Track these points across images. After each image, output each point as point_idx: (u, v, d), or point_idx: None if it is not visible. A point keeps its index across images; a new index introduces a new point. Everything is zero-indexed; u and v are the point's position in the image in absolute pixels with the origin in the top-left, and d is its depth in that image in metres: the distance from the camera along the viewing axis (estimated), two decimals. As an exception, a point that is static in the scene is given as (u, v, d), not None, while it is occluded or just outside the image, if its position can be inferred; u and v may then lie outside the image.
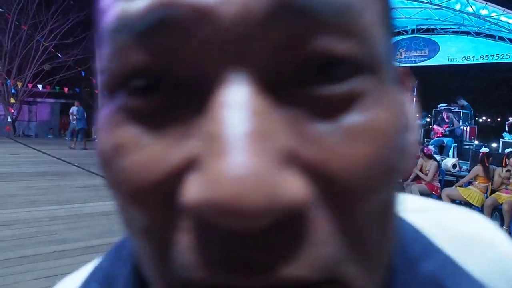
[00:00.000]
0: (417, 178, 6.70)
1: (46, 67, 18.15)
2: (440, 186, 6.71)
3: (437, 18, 10.59)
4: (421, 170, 6.71)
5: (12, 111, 18.05)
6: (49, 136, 19.07)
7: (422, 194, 6.50)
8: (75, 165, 9.32)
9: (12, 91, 17.82)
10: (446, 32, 12.09)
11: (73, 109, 15.37)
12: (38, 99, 21.55)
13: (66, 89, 19.02)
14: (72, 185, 7.18)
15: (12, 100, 17.82)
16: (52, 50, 17.87)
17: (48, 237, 4.36)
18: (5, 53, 17.51)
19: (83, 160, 10.01)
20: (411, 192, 6.45)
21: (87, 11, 17.87)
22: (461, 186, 6.55)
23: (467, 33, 11.73)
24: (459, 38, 12.01)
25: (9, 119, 17.90)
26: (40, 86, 18.47)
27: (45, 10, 17.55)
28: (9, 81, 17.78)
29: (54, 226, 4.74)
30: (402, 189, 6.25)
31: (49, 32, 17.76)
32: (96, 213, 5.46)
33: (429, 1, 9.15)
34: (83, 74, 18.85)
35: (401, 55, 13.29)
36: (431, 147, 7.47)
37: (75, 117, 14.73)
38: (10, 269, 3.46)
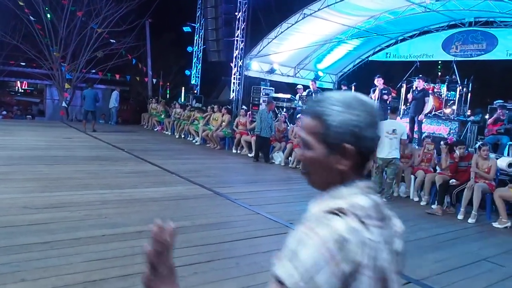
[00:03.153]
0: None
1: (99, 54, 18.70)
2: (495, 185, 6.33)
3: (497, 11, 9.86)
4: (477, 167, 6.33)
5: (67, 95, 18.76)
6: (100, 121, 19.76)
7: (483, 193, 6.15)
8: (125, 151, 9.53)
9: (67, 77, 18.51)
10: (506, 25, 11.29)
11: (114, 94, 15.99)
12: (90, 85, 22.33)
13: (117, 76, 19.55)
14: (122, 170, 7.33)
15: (67, 86, 18.52)
16: (106, 36, 18.36)
17: (99, 220, 4.43)
18: (61, 39, 18.18)
19: (133, 146, 10.23)
20: (473, 191, 6.09)
21: (139, 0, 18.23)
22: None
23: (529, 27, 10.93)
24: (520, 31, 11.24)
25: (64, 104, 18.63)
26: (93, 72, 19.13)
27: (99, -3, 18.03)
28: (64, 66, 18.47)
29: (104, 210, 4.82)
30: (471, 189, 5.92)
31: (103, 20, 18.24)
32: (145, 198, 5.52)
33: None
34: (134, 61, 19.28)
35: (456, 49, 12.61)
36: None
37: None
38: (62, 250, 3.52)
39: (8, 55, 18.95)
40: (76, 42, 18.53)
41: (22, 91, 24.93)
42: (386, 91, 10.14)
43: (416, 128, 9.82)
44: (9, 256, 3.30)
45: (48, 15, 17.51)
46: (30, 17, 16.69)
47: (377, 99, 10.15)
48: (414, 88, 10.39)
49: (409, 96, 10.33)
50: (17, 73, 20.90)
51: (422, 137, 8.69)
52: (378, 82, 10.24)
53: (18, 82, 24.21)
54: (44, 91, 23.00)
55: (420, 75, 10.50)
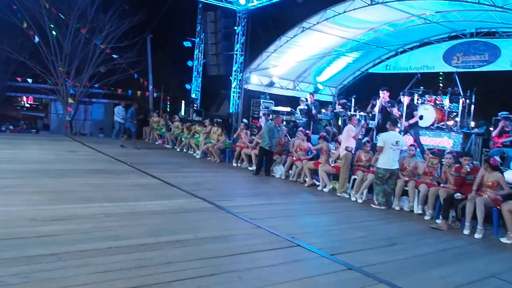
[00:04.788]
0: (479, 188, 6.31)
1: (102, 69, 19.02)
2: (501, 199, 6.29)
3: (500, 21, 9.99)
4: (481, 182, 6.33)
5: (71, 110, 19.03)
6: (100, 135, 19.94)
7: (487, 207, 6.11)
8: (127, 164, 9.66)
9: (71, 91, 18.79)
10: (509, 35, 11.42)
11: (118, 109, 16.12)
12: (93, 99, 22.64)
13: (119, 90, 19.82)
14: (125, 183, 7.44)
15: (71, 100, 18.78)
16: (108, 52, 18.68)
17: (104, 233, 4.54)
18: (65, 55, 18.54)
19: (135, 160, 10.36)
20: (475, 205, 6.07)
21: (140, 16, 18.59)
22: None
23: (532, 37, 11.07)
24: (522, 42, 11.36)
25: (68, 118, 18.86)
26: (96, 87, 19.44)
27: (102, 15, 18.42)
28: (68, 81, 18.77)
29: (108, 223, 4.93)
30: (457, 200, 5.88)
31: (106, 36, 18.62)
32: (147, 211, 5.63)
33: (492, 3, 8.65)
34: (135, 76, 19.56)
35: (458, 60, 12.72)
36: (497, 158, 7.03)
37: (119, 117, 15.63)
38: (70, 262, 3.62)
39: (15, 71, 19.33)
40: (80, 58, 18.88)
41: (28, 105, 25.28)
42: (390, 104, 9.86)
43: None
44: (18, 267, 3.40)
45: (54, 32, 17.86)
46: (35, 37, 17.04)
47: (379, 112, 10.12)
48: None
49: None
50: (23, 88, 21.25)
51: (425, 150, 8.66)
52: (384, 94, 9.94)
53: (24, 97, 24.55)
54: (48, 105, 23.32)
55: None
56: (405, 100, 9.74)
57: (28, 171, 7.80)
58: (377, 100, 10.22)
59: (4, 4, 16.66)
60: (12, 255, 3.65)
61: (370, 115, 11.13)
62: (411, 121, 9.59)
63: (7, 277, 3.21)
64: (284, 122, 13.66)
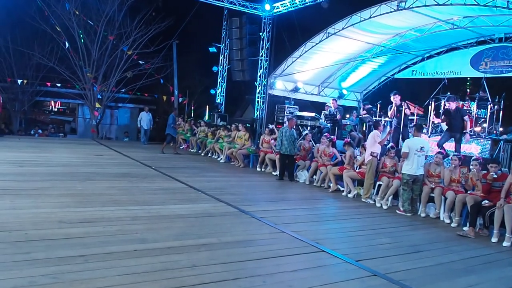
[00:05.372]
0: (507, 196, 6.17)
1: (129, 74, 19.42)
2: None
3: (529, 26, 9.79)
4: (510, 189, 6.17)
5: (97, 114, 19.46)
6: (125, 139, 20.26)
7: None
8: (152, 168, 9.79)
9: (98, 96, 19.24)
10: (538, 41, 11.16)
11: (142, 114, 16.32)
12: (119, 104, 23.10)
13: (146, 95, 20.16)
14: (150, 187, 7.54)
15: (97, 105, 19.22)
16: (135, 57, 19.05)
17: (130, 236, 4.60)
18: (93, 61, 19.02)
19: (160, 164, 10.50)
20: (503, 212, 5.93)
21: (167, 23, 18.90)
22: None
23: (562, 41, 10.73)
24: (552, 47, 11.03)
25: (94, 122, 19.29)
26: (123, 92, 19.83)
27: (129, 21, 18.82)
28: (96, 87, 19.24)
29: (134, 226, 4.99)
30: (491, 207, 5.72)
31: (132, 42, 19.01)
32: (172, 215, 5.68)
33: (521, 8, 8.44)
34: (161, 81, 19.87)
35: (486, 65, 12.45)
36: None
37: (141, 122, 15.93)
38: (97, 263, 3.69)
39: (44, 76, 19.94)
40: (107, 63, 19.35)
41: (56, 110, 25.98)
42: (401, 108, 10.25)
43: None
44: (48, 268, 3.49)
45: (82, 39, 18.36)
46: (65, 43, 17.56)
47: (394, 116, 10.39)
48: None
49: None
50: (52, 93, 21.90)
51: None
52: (395, 99, 10.36)
53: (52, 102, 25.27)
54: (76, 110, 23.92)
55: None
56: (452, 105, 9.45)
57: (55, 174, 8.00)
58: (392, 108, 10.42)
59: (35, 12, 17.27)
60: (42, 256, 3.75)
61: (391, 119, 11.06)
62: (467, 128, 9.23)
63: (38, 277, 3.29)
64: (309, 127, 13.66)
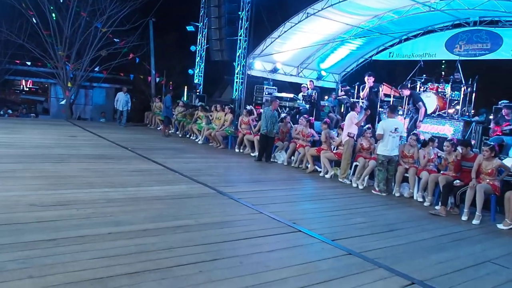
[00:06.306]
0: (478, 176, 6.33)
1: (103, 53, 18.82)
2: (500, 186, 6.34)
3: (503, 10, 9.84)
4: (479, 169, 6.33)
5: (68, 94, 18.88)
6: (101, 120, 19.79)
7: (487, 193, 6.15)
8: (129, 149, 9.61)
9: (71, 75, 18.63)
10: (511, 25, 11.29)
11: (119, 95, 15.86)
12: (94, 84, 22.49)
13: (122, 74, 19.64)
14: (126, 169, 7.40)
15: (69, 84, 18.63)
16: (110, 36, 18.46)
17: (104, 218, 4.50)
18: (65, 38, 18.33)
19: (136, 145, 10.32)
20: (475, 191, 6.12)
21: (143, -1, 18.34)
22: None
23: (535, 26, 10.91)
24: (525, 31, 11.21)
25: (62, 102, 18.72)
26: (97, 71, 19.23)
27: (103, -3, 18.15)
28: (68, 65, 18.61)
29: (109, 208, 4.89)
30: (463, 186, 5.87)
31: (107, 19, 18.37)
32: (149, 197, 5.59)
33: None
34: (137, 60, 19.37)
35: (460, 48, 12.61)
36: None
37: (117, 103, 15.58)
38: (69, 247, 3.59)
39: (13, 54, 19.12)
40: (80, 41, 18.68)
41: (27, 89, 25.08)
42: (376, 89, 10.50)
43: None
44: (17, 252, 3.37)
45: (53, 15, 17.64)
46: (33, 19, 16.84)
47: (366, 97, 10.65)
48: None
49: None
50: (22, 71, 21.06)
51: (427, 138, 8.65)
52: (368, 80, 10.52)
53: (23, 81, 24.38)
54: (48, 89, 23.16)
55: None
56: (405, 93, 9.90)
57: (27, 156, 7.76)
58: (365, 89, 10.68)
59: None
60: (11, 240, 3.62)
61: (363, 100, 11.19)
62: (421, 116, 9.61)
63: (6, 262, 3.17)
64: (287, 109, 13.63)
